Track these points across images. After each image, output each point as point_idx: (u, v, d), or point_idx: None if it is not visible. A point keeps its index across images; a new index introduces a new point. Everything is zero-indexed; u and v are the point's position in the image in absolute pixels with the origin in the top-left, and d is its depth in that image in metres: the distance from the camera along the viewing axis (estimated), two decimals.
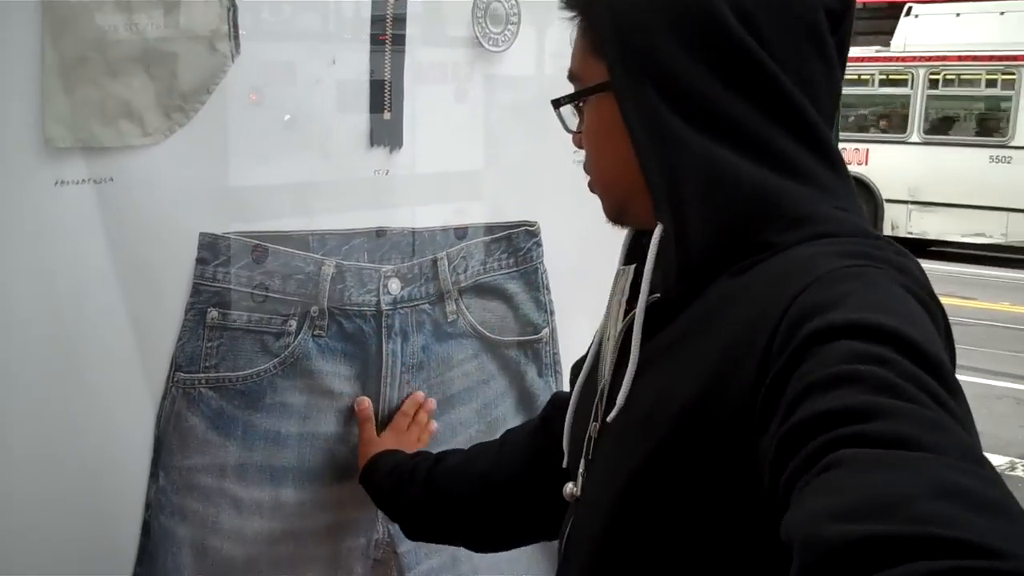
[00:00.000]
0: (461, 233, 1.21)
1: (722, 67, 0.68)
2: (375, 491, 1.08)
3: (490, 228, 1.23)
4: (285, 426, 1.10)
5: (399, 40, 1.11)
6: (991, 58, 9.21)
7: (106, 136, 0.94)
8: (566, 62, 0.78)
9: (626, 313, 0.77)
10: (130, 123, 0.95)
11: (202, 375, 1.04)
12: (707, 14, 0.68)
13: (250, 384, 1.07)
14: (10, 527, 0.94)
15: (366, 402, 1.15)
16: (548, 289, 1.28)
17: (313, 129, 1.08)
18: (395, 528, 1.15)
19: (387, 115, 1.12)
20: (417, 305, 1.17)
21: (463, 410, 1.23)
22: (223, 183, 1.04)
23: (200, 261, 1.03)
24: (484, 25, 1.17)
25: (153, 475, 1.03)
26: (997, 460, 4.08)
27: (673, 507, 0.66)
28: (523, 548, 1.17)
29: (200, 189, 1.02)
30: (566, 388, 0.95)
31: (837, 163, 0.71)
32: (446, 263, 1.19)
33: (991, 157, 9.20)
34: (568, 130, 0.80)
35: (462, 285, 1.21)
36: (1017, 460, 4.28)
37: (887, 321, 0.55)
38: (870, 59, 9.26)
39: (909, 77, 9.58)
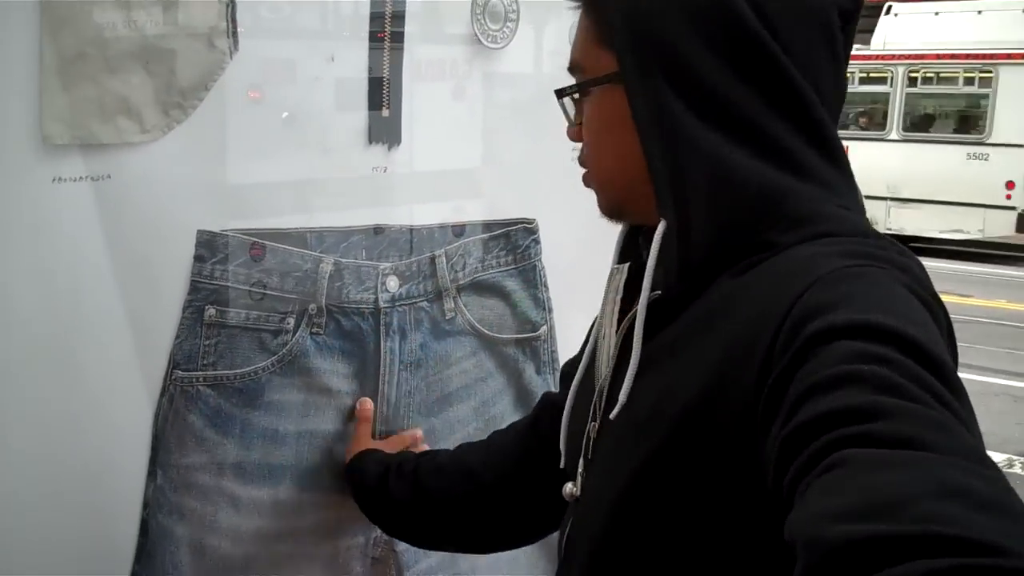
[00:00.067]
0: (459, 230, 1.21)
1: (738, 61, 0.67)
2: (359, 483, 1.07)
3: (488, 225, 1.23)
4: (283, 424, 1.10)
5: (398, 37, 1.11)
6: (969, 56, 9.32)
7: (104, 133, 0.93)
8: (565, 60, 0.77)
9: (621, 312, 0.77)
10: (128, 120, 0.95)
11: (200, 373, 1.04)
12: (724, 6, 0.67)
13: (248, 382, 1.07)
14: (6, 526, 0.93)
15: (368, 403, 1.14)
16: (546, 287, 1.28)
17: (311, 126, 1.08)
18: None
19: (385, 112, 1.12)
20: (415, 303, 1.17)
21: (461, 408, 1.23)
22: (221, 180, 1.03)
23: (198, 259, 1.02)
24: (483, 22, 1.17)
25: (151, 473, 1.02)
26: (995, 457, 4.10)
27: (674, 507, 0.66)
28: (523, 547, 1.17)
29: (198, 186, 1.02)
30: None
31: (841, 159, 0.71)
32: (444, 260, 1.19)
33: (969, 154, 9.32)
34: (571, 121, 0.78)
35: (460, 283, 1.21)
36: (1015, 457, 4.32)
37: (890, 321, 0.55)
38: (850, 57, 9.35)
39: (889, 75, 9.67)
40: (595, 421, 0.77)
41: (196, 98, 0.98)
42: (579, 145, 0.79)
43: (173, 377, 1.02)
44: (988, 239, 9.39)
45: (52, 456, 0.95)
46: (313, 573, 1.14)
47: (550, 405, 0.97)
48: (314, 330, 1.10)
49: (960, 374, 0.57)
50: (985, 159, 9.16)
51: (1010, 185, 9.07)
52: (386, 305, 1.14)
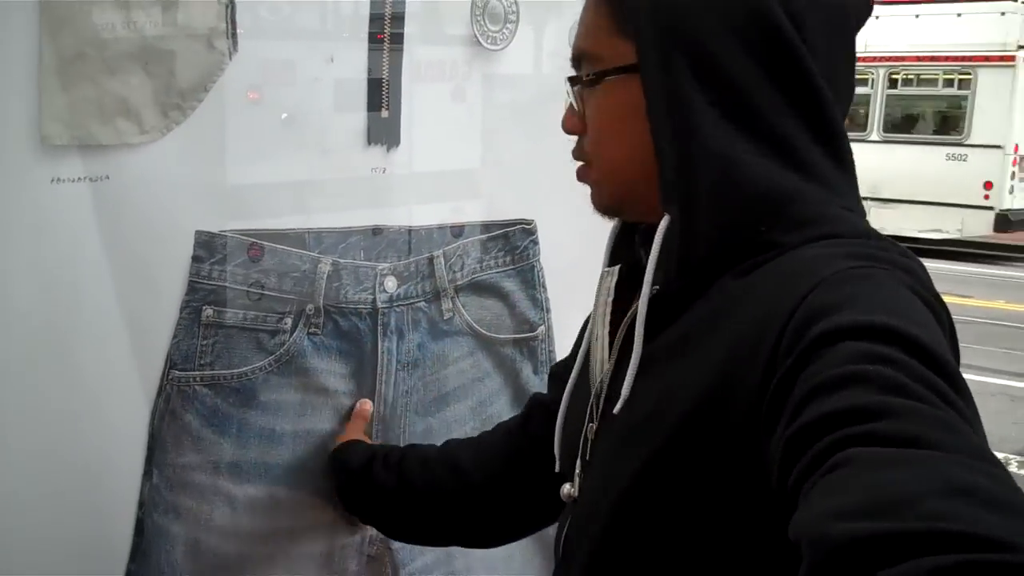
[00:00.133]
0: (457, 231, 1.21)
1: (768, 62, 0.67)
2: (342, 467, 1.06)
3: (487, 226, 1.23)
4: (280, 424, 1.10)
5: (397, 38, 1.11)
6: (949, 59, 9.42)
7: (103, 134, 0.93)
8: (565, 60, 0.77)
9: (613, 314, 0.76)
10: (127, 121, 0.94)
11: (197, 373, 1.03)
12: (761, 10, 0.67)
13: (245, 382, 1.07)
14: (2, 524, 0.93)
15: (368, 404, 1.15)
16: (544, 287, 1.28)
17: (310, 127, 1.08)
18: None
19: (385, 113, 1.12)
20: (413, 303, 1.17)
21: (458, 407, 1.23)
22: (220, 181, 1.03)
23: (196, 259, 1.02)
24: (482, 23, 1.17)
25: (147, 473, 1.02)
26: None
27: (676, 507, 0.66)
28: (518, 546, 1.18)
29: (197, 187, 1.02)
30: None
31: (845, 158, 0.71)
32: (442, 261, 1.19)
33: (948, 155, 9.41)
34: (576, 110, 0.76)
35: (458, 283, 1.21)
36: (1012, 456, 4.32)
37: (894, 322, 0.55)
38: None
39: (870, 77, 9.75)
40: (593, 422, 0.77)
41: (195, 99, 0.98)
42: (575, 139, 0.78)
43: (170, 377, 1.02)
44: (967, 239, 9.50)
45: (49, 455, 0.95)
46: (308, 571, 1.14)
47: (540, 406, 0.98)
48: (311, 330, 1.10)
49: None
50: (964, 160, 9.26)
51: (988, 185, 9.18)
52: (384, 305, 1.15)
